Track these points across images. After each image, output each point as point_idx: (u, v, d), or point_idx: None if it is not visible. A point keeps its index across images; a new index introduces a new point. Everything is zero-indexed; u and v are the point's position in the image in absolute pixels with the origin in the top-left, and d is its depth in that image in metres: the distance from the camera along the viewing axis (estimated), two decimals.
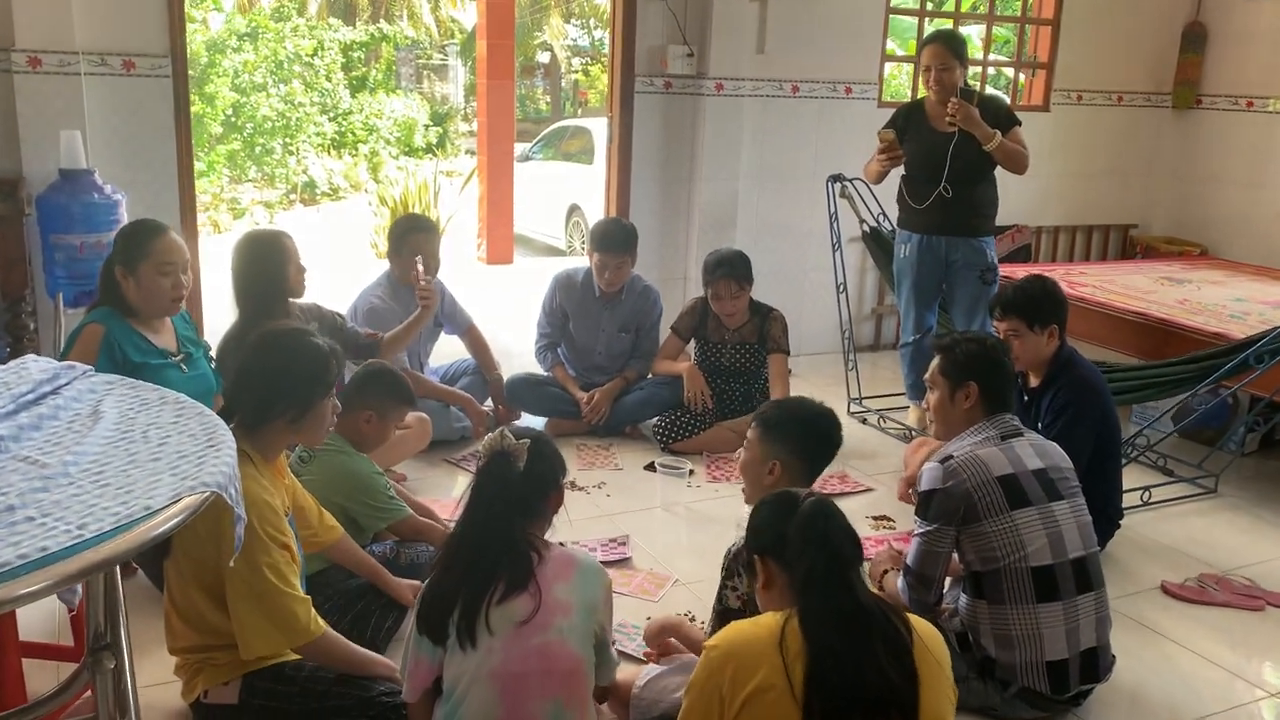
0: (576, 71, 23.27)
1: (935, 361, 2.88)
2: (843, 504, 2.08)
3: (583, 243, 10.18)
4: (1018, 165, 4.44)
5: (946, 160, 4.41)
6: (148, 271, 3.05)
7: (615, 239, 4.59)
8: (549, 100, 23.96)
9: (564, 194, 10.52)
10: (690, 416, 4.48)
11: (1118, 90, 6.72)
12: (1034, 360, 3.49)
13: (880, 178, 4.68)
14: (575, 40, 23.03)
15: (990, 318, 3.58)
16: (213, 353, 3.46)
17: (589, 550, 3.50)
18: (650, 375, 4.72)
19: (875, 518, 3.92)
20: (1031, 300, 3.43)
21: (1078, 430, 3.33)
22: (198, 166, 12.27)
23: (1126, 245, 6.99)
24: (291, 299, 3.66)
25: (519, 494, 2.21)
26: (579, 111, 21.70)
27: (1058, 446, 2.82)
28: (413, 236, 4.32)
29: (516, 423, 4.74)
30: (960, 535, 2.66)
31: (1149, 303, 4.79)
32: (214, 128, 13.24)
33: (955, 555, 2.71)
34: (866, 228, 5.43)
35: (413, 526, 3.15)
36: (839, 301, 5.28)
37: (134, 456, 1.83)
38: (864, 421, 5.00)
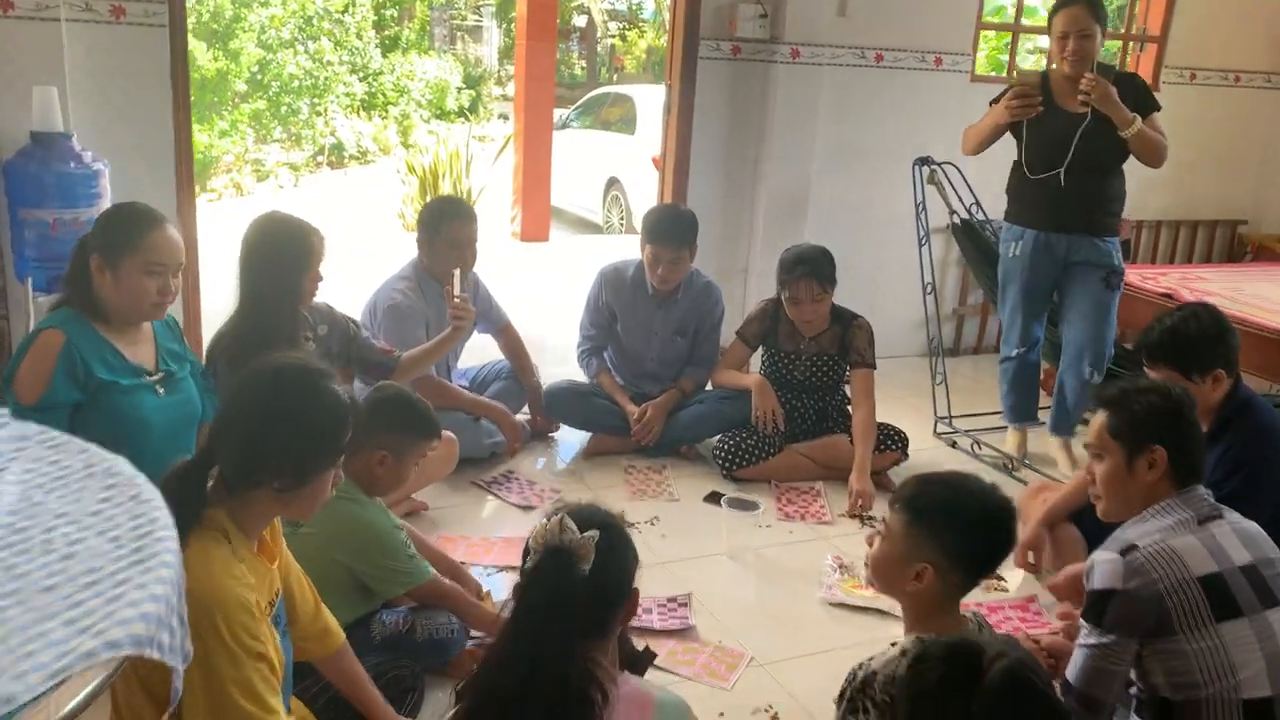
0: (614, 36, 22.48)
1: (1102, 420, 2.22)
2: None
3: (621, 219, 9.53)
4: (1156, 157, 3.76)
5: (1073, 145, 3.73)
6: (132, 269, 2.45)
7: (672, 229, 3.96)
8: (584, 65, 23.21)
9: (602, 166, 9.84)
10: (757, 438, 3.85)
11: (1235, 69, 5.98)
12: (1199, 411, 2.83)
13: (984, 145, 3.98)
14: (613, 4, 22.24)
15: (1141, 364, 2.90)
16: (204, 363, 2.87)
17: (643, 612, 2.90)
18: (710, 387, 4.10)
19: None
20: (1188, 344, 2.72)
21: (1261, 491, 2.67)
22: (220, 126, 11.81)
23: (1234, 244, 6.27)
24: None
25: (582, 608, 1.61)
26: (614, 78, 20.94)
27: (1260, 530, 2.18)
28: (449, 225, 3.71)
29: (550, 436, 4.14)
30: (1144, 651, 2.04)
31: None
32: (238, 85, 12.64)
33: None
34: (957, 219, 4.76)
35: (435, 590, 2.55)
36: (925, 303, 4.63)
37: (20, 581, 1.24)
38: (954, 445, 4.35)
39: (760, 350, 4.05)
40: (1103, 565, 2.06)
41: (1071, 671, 2.09)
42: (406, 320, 3.65)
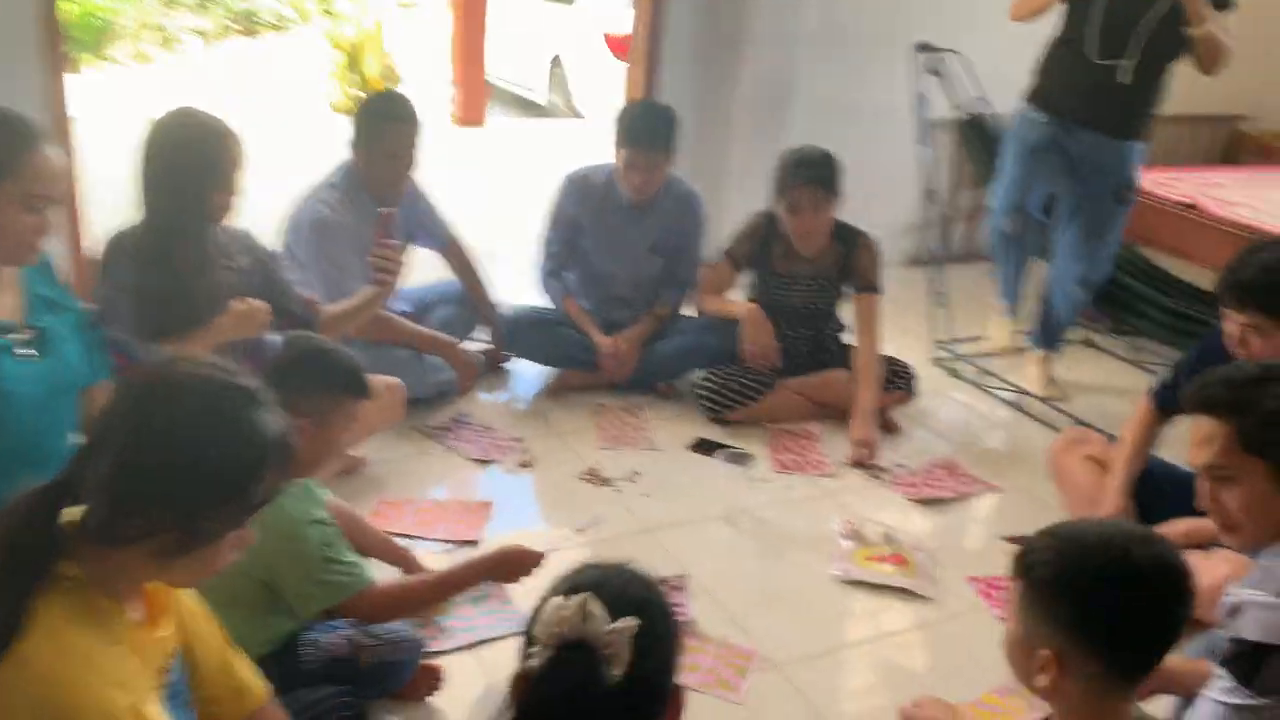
0: None
1: (1219, 430, 1.73)
2: (957, 514, 1.90)
3: (568, 100, 8.79)
4: (1217, 62, 3.28)
5: (1134, 30, 3.22)
6: (4, 200, 1.84)
7: (650, 131, 3.37)
8: None
9: (544, 41, 9.02)
10: (748, 376, 3.36)
11: None
12: None
13: (1040, 12, 3.42)
14: None
15: (1219, 304, 2.44)
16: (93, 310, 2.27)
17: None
18: (695, 314, 3.57)
19: (1009, 540, 2.87)
20: None
21: None
22: None
23: (1233, 143, 5.84)
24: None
25: None
26: None
27: None
28: (388, 131, 3.08)
29: (506, 368, 3.60)
30: None
31: None
32: None
33: None
34: (965, 114, 4.25)
35: (380, 601, 2.03)
36: (926, 209, 4.14)
37: None
38: (954, 374, 3.92)
39: (750, 273, 3.52)
40: (1262, 613, 1.61)
41: None
42: (336, 239, 3.05)
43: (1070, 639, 1.37)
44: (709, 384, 3.36)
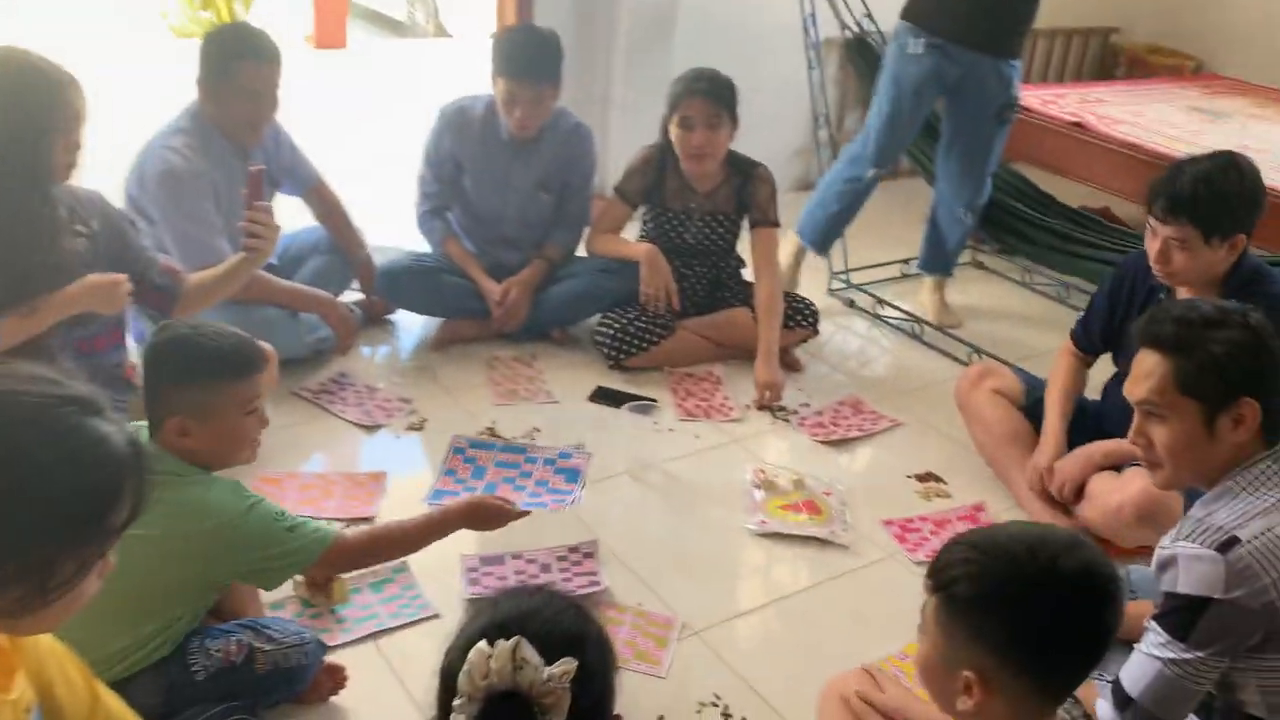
0: None
1: (1159, 368, 1.67)
2: (865, 453, 1.94)
3: (432, 17, 8.33)
4: None
5: None
6: None
7: (533, 60, 3.13)
8: None
9: None
10: (647, 319, 3.22)
11: None
12: (1200, 278, 2.38)
13: None
14: None
15: (1153, 214, 2.38)
16: None
17: (540, 571, 2.31)
18: (589, 255, 3.39)
19: (919, 478, 2.83)
20: (1221, 200, 2.28)
21: None
22: None
23: (1106, 56, 5.88)
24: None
25: None
26: None
27: None
28: (243, 69, 2.77)
29: (388, 319, 3.38)
30: (1234, 663, 1.60)
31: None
32: None
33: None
34: (849, 34, 4.13)
35: (352, 549, 1.87)
36: (816, 137, 4.03)
37: None
38: (851, 305, 3.85)
39: (642, 210, 3.35)
40: (1194, 564, 1.57)
41: (1134, 683, 1.63)
42: (187, 190, 2.75)
43: (997, 658, 1.25)
44: (607, 329, 3.21)
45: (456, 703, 1.03)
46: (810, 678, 2.03)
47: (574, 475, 2.30)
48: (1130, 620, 1.88)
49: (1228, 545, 1.55)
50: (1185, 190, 2.28)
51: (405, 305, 3.33)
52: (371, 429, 2.84)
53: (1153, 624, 1.63)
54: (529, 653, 1.01)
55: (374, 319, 3.35)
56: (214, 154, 2.79)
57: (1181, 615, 1.58)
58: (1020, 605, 1.24)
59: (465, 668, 1.02)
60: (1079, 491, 2.54)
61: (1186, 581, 1.57)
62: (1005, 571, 1.26)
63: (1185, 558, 1.58)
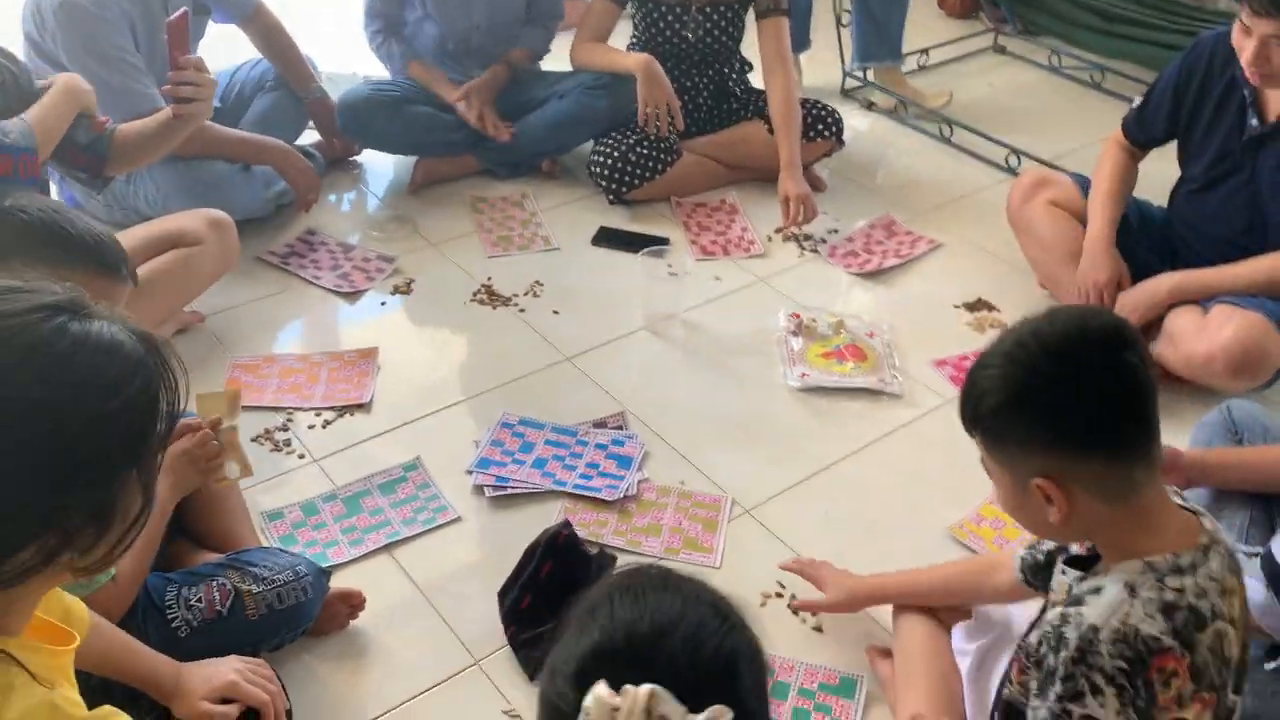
0: None
1: None
2: (906, 283, 1.97)
3: None
4: None
5: None
6: None
7: None
8: None
9: None
10: (648, 144, 2.83)
11: None
12: None
13: None
14: None
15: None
16: None
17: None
18: (574, 68, 2.96)
19: (969, 307, 2.55)
20: None
21: None
22: None
23: None
24: None
25: None
26: None
27: None
28: None
29: (353, 161, 2.98)
30: None
31: None
32: None
33: None
34: None
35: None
36: None
37: None
38: (870, 107, 3.45)
39: (630, 9, 2.90)
40: None
41: None
42: (93, 24, 2.30)
43: (1054, 454, 1.15)
44: (603, 158, 2.82)
45: None
46: (878, 550, 1.83)
47: (626, 462, 2.04)
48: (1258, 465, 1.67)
49: None
50: None
51: (371, 144, 2.91)
52: (352, 295, 2.50)
53: None
54: (669, 708, 0.74)
55: (336, 163, 2.94)
56: None
57: None
58: (1043, 388, 1.15)
59: (583, 718, 0.75)
60: (1146, 329, 2.27)
61: None
62: (1019, 368, 1.17)
63: None
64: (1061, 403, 1.14)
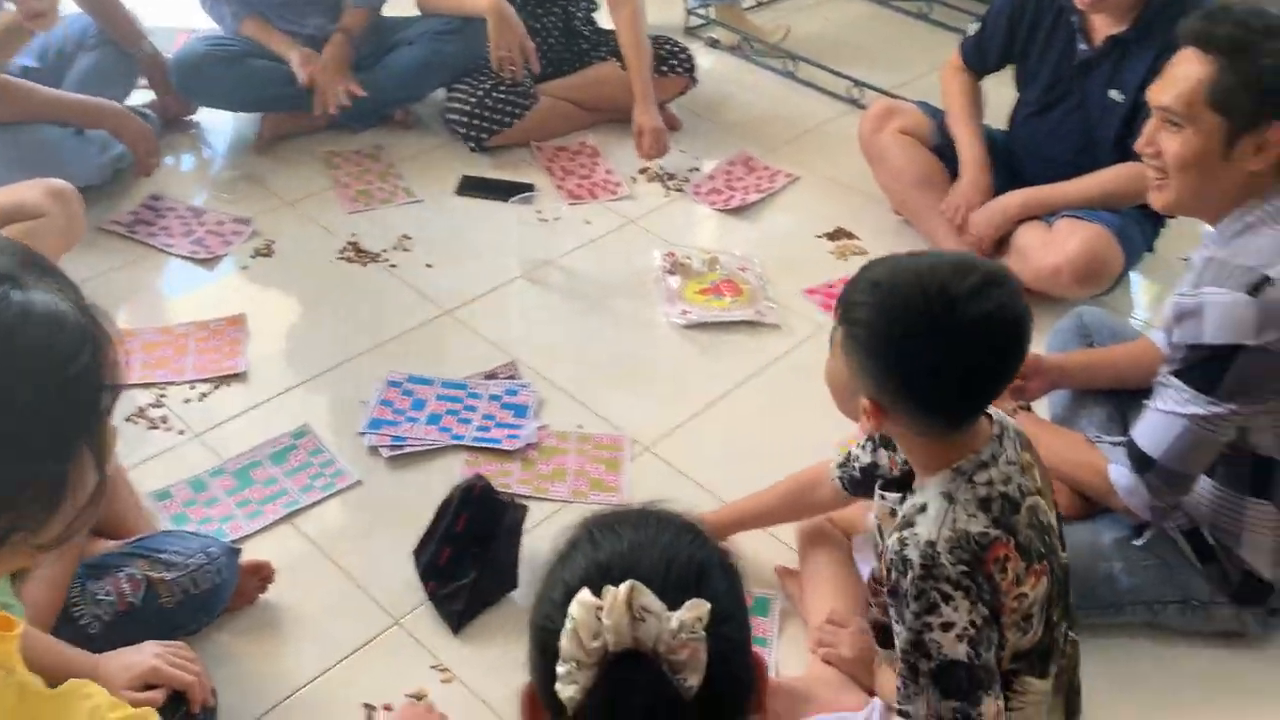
0: None
1: (1195, 70, 1.48)
2: (769, 217, 1.94)
3: None
4: None
5: None
6: None
7: None
8: None
9: None
10: (504, 90, 2.78)
11: None
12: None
13: None
14: None
15: None
16: None
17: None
18: (422, 13, 2.86)
19: (830, 237, 2.64)
20: None
21: None
22: None
23: None
24: None
25: None
26: None
27: None
28: None
29: (190, 121, 2.82)
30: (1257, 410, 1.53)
31: None
32: None
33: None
34: None
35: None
36: None
37: None
38: (714, 45, 3.49)
39: None
40: (1222, 310, 1.46)
41: (1155, 444, 1.55)
42: None
43: (890, 394, 1.22)
44: (460, 105, 2.77)
45: (562, 670, 0.78)
46: (776, 473, 1.88)
47: (522, 411, 2.02)
48: (1111, 363, 1.82)
49: (1259, 286, 1.44)
50: None
51: (211, 102, 2.76)
52: (210, 261, 2.38)
53: (1172, 380, 1.53)
54: (649, 600, 0.76)
55: (173, 123, 2.77)
56: None
57: (1207, 367, 1.49)
58: (914, 348, 1.18)
59: (569, 625, 0.77)
60: (998, 244, 2.42)
61: (1214, 330, 1.47)
62: (903, 314, 1.18)
63: (1213, 304, 1.47)
64: (925, 374, 1.19)
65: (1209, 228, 1.60)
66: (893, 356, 1.19)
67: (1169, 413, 1.53)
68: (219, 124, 2.83)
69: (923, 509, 1.23)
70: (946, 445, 1.25)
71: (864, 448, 1.54)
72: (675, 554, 0.82)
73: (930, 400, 1.21)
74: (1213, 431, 1.51)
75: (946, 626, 1.21)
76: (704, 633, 0.77)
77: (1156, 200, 1.60)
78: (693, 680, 0.77)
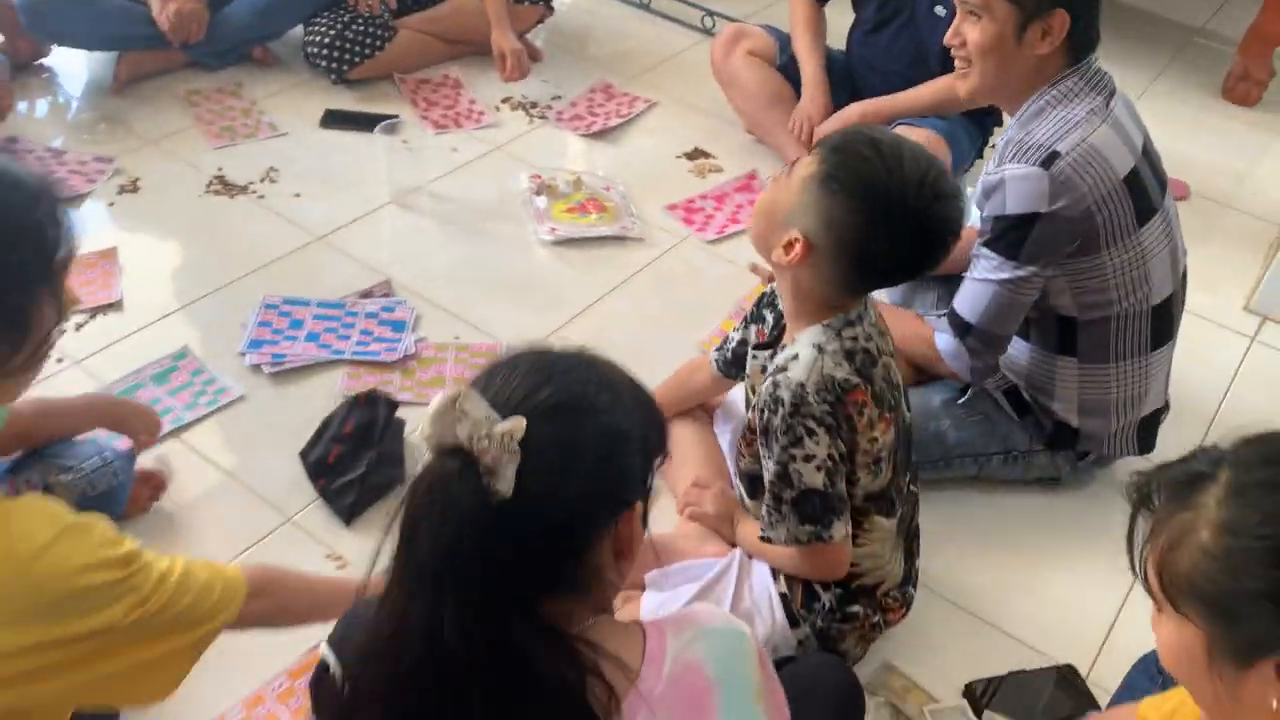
0: None
1: None
2: (630, 140, 2.09)
3: None
4: None
5: None
6: None
7: None
8: None
9: None
10: (363, 22, 2.82)
11: None
12: None
13: None
14: None
15: None
16: None
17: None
18: None
19: (688, 156, 2.78)
20: None
21: None
22: None
23: None
24: None
25: (516, 554, 0.86)
26: None
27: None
28: None
29: (41, 64, 2.79)
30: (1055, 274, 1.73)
31: None
32: None
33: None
34: None
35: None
36: None
37: None
38: None
39: None
40: (1020, 184, 1.64)
41: (972, 310, 1.73)
42: None
43: (831, 240, 1.33)
44: (318, 39, 2.80)
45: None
46: (646, 372, 2.00)
47: (400, 326, 2.10)
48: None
49: (1050, 160, 1.62)
50: None
51: (64, 42, 2.73)
52: (75, 200, 2.37)
53: (984, 250, 1.71)
54: (472, 405, 0.85)
55: (23, 65, 2.73)
56: None
57: (1010, 235, 1.67)
58: (888, 218, 1.31)
59: (423, 427, 0.88)
60: None
61: (1014, 201, 1.65)
62: (893, 186, 1.30)
63: (1012, 179, 1.64)
64: (875, 246, 1.32)
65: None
66: (863, 214, 1.31)
67: (982, 280, 1.72)
68: (72, 66, 2.80)
69: (795, 357, 1.38)
70: (834, 303, 1.40)
71: (738, 329, 1.68)
72: (554, 383, 0.89)
73: (866, 265, 1.35)
74: (1019, 294, 1.70)
75: (808, 458, 1.37)
76: (512, 448, 0.84)
77: (963, 88, 1.76)
78: (500, 486, 0.83)
